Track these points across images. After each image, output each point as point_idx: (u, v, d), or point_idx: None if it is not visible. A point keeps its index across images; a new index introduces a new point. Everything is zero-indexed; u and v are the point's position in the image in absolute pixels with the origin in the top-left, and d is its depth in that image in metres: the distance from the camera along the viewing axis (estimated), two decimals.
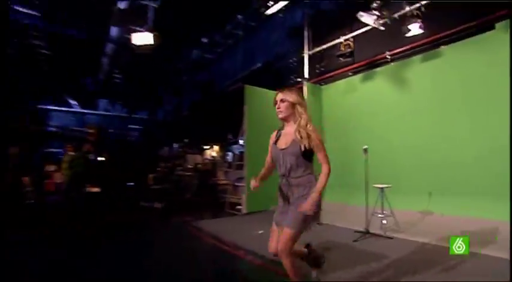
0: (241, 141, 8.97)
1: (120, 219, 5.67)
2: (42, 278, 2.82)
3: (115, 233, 4.69)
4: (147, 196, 6.72)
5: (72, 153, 6.81)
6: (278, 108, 1.97)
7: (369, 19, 4.54)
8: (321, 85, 6.99)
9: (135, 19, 5.99)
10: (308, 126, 1.92)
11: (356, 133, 5.97)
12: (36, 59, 9.23)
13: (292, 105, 1.95)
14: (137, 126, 13.29)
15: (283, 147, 1.96)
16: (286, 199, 1.97)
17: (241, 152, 8.99)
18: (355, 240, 3.61)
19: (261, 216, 5.22)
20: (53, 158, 9.44)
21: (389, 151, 5.19)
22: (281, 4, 5.38)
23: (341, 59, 5.94)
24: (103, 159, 7.76)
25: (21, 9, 6.70)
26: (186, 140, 9.68)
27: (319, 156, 1.93)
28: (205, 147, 9.97)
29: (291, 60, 7.90)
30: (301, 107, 1.96)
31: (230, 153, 9.51)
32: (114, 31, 8.19)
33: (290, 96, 1.96)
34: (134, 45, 5.58)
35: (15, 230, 4.64)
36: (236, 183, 6.31)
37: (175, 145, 9.81)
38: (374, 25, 4.65)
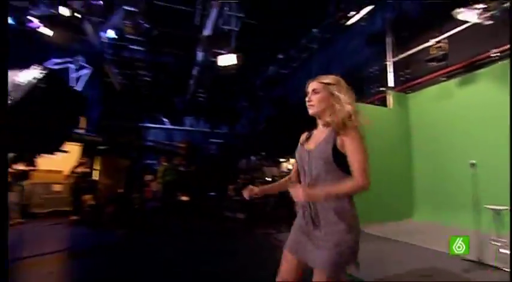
0: None
1: (207, 227, 6.11)
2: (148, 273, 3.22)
3: (203, 239, 5.07)
4: (229, 206, 7.11)
5: (166, 164, 7.74)
6: (309, 101, 1.50)
7: (470, 15, 4.01)
8: (407, 93, 6.44)
9: (219, 43, 6.60)
10: (351, 119, 1.41)
11: (453, 142, 5.25)
12: (139, 85, 10.97)
13: (329, 96, 1.47)
14: (218, 140, 14.35)
15: (310, 148, 1.50)
16: (309, 222, 1.47)
17: None
18: (466, 271, 3.10)
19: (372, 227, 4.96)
20: (149, 168, 10.87)
21: (499, 163, 4.38)
22: (363, 12, 5.20)
23: (432, 63, 5.38)
24: (190, 170, 8.60)
25: (133, 47, 8.19)
26: (262, 153, 10.00)
27: (353, 163, 1.36)
28: (281, 160, 10.09)
29: (371, 70, 7.52)
30: (341, 97, 1.45)
31: None
32: (199, 55, 9.16)
33: (325, 85, 1.48)
34: (220, 66, 6.16)
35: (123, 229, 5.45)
36: None
37: (252, 158, 10.22)
38: (478, 21, 4.08)
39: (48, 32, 6.63)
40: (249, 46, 7.69)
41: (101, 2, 6.96)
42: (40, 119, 1.29)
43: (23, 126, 1.23)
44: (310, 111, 1.52)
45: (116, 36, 7.80)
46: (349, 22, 5.39)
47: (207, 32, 7.36)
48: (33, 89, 1.30)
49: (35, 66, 1.58)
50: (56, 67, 7.98)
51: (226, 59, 6.09)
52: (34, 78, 1.33)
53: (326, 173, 1.40)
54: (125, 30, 7.50)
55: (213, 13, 6.62)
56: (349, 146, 1.38)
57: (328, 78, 1.51)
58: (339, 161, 1.39)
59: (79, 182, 6.68)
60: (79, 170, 6.80)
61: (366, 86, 7.74)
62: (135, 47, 8.37)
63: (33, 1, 6.34)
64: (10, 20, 7.36)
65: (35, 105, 1.16)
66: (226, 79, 9.82)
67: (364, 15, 5.43)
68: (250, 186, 1.68)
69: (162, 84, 11.58)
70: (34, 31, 6.74)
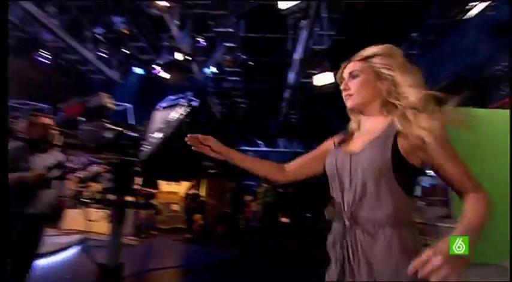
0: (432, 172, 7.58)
1: (309, 250, 5.89)
2: None
3: (306, 263, 4.87)
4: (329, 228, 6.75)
5: (266, 185, 8.00)
6: (345, 89, 1.05)
7: None
8: None
9: (312, 64, 6.63)
10: (427, 108, 0.91)
11: None
12: (236, 112, 11.97)
13: (375, 78, 1.00)
14: None
15: (355, 150, 1.00)
16: (342, 269, 0.94)
17: (433, 185, 7.52)
18: None
19: (487, 271, 3.98)
20: (248, 189, 11.43)
21: None
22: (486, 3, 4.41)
23: None
24: (289, 191, 8.66)
25: (231, 78, 9.10)
26: None
27: (458, 173, 0.89)
28: None
29: (497, 68, 6.24)
30: (396, 76, 0.97)
31: (417, 187, 8.20)
32: (290, 78, 9.40)
33: (367, 62, 1.02)
34: (316, 86, 6.14)
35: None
36: (436, 223, 5.23)
37: None
38: None
39: (166, 75, 8.00)
40: (342, 62, 7.49)
41: (205, 43, 8.03)
42: (183, 150, 1.51)
43: (171, 157, 1.47)
44: (349, 103, 1.05)
45: (217, 71, 8.80)
46: (471, 14, 4.61)
47: (298, 54, 7.53)
48: (180, 124, 1.53)
49: (182, 103, 1.87)
50: (172, 103, 9.53)
51: (323, 78, 6.03)
52: (181, 114, 1.58)
53: (378, 189, 0.90)
54: (224, 64, 8.39)
55: (304, 35, 6.75)
56: (436, 148, 0.87)
57: (371, 50, 1.02)
58: (401, 173, 0.89)
59: (191, 202, 7.50)
60: (191, 191, 7.66)
61: (490, 88, 6.44)
62: (233, 78, 9.23)
63: (158, 52, 7.79)
64: (141, 70, 9.21)
65: (181, 138, 1.37)
66: (319, 98, 9.73)
67: (488, 3, 4.57)
68: (210, 138, 1.17)
69: (256, 109, 12.33)
70: (156, 76, 8.23)
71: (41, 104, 7.63)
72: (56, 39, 7.22)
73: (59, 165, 2.21)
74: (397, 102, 0.96)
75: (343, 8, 6.98)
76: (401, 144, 0.90)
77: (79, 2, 6.70)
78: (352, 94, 1.04)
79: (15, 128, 4.38)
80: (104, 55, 8.36)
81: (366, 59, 1.03)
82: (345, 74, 1.08)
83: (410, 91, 0.95)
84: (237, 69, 8.75)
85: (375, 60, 1.02)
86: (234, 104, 11.17)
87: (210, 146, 1.18)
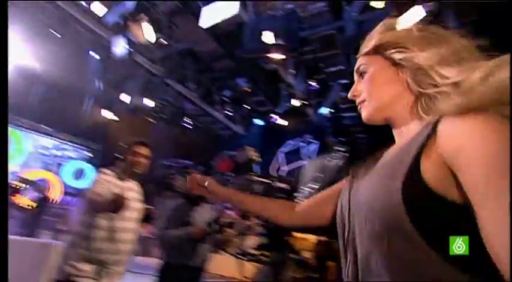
0: None
1: None
2: None
3: None
4: None
5: None
6: (355, 96, 0.73)
7: None
8: None
9: None
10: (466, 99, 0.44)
11: None
12: (356, 147, 11.23)
13: (391, 66, 0.63)
14: None
15: (358, 185, 0.65)
16: None
17: None
18: None
19: None
20: None
21: None
22: None
23: None
24: None
25: (344, 114, 8.78)
26: None
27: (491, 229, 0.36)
28: None
29: None
30: (421, 60, 0.55)
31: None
32: None
33: (376, 50, 0.66)
34: None
35: None
36: None
37: None
38: None
39: (284, 122, 8.40)
40: None
41: (317, 86, 8.12)
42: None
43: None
44: (364, 115, 0.73)
45: (333, 110, 8.64)
46: None
47: None
48: (340, 169, 1.45)
49: (338, 149, 1.79)
50: (292, 148, 9.89)
51: None
52: (338, 159, 1.51)
53: (389, 248, 0.50)
54: (339, 102, 8.18)
55: None
56: (470, 181, 0.43)
57: (380, 36, 0.67)
58: (423, 216, 0.48)
59: (323, 249, 6.99)
60: (323, 237, 7.20)
61: None
62: (350, 114, 8.84)
63: (274, 103, 8.38)
64: (261, 121, 10.01)
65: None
66: None
67: None
68: (206, 178, 1.02)
69: (377, 141, 11.27)
70: (274, 124, 8.74)
71: (187, 162, 9.17)
72: (195, 108, 8.80)
73: (216, 220, 2.38)
74: (433, 91, 0.57)
75: (474, 11, 5.89)
76: (426, 163, 0.51)
77: (210, 74, 8.09)
78: (364, 100, 0.71)
79: (173, 184, 5.28)
80: (230, 113, 9.59)
81: (374, 46, 0.69)
82: (355, 76, 0.76)
83: (443, 72, 0.56)
84: (352, 105, 8.36)
85: (385, 43, 0.66)
86: (354, 140, 10.55)
87: (206, 187, 1.03)
